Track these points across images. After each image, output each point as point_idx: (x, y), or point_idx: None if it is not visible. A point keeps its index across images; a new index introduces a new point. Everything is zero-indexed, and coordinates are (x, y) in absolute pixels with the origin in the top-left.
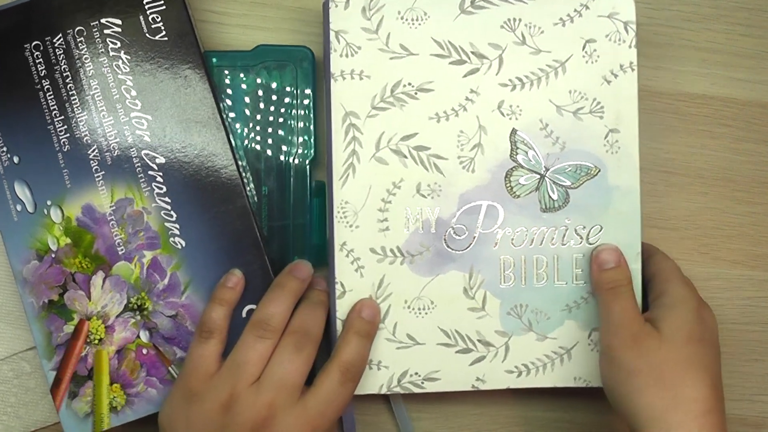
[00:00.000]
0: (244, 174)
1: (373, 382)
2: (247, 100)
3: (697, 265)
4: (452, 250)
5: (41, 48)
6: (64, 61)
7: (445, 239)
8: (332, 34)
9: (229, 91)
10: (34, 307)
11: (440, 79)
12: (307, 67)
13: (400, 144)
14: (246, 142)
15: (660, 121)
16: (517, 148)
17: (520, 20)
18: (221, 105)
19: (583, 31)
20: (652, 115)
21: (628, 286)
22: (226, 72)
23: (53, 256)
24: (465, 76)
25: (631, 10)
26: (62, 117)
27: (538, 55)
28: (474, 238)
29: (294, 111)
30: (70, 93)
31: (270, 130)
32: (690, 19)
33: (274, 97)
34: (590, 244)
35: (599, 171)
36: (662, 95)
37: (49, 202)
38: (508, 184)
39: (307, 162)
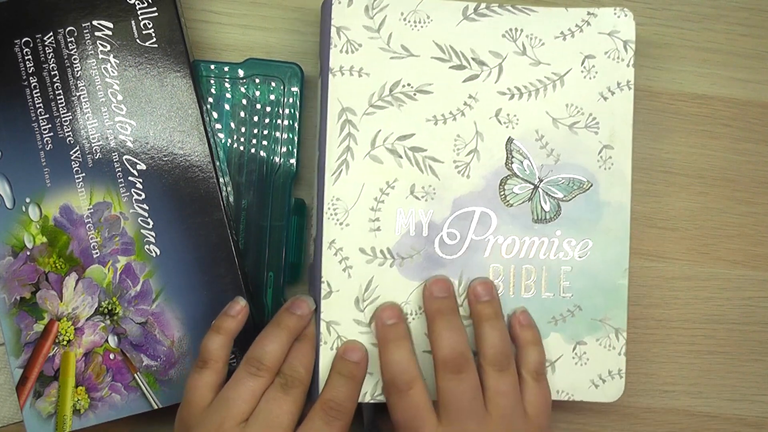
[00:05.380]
0: (224, 186)
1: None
2: (232, 112)
3: (697, 265)
4: (443, 255)
5: (31, 45)
6: (53, 59)
7: (436, 244)
8: (333, 30)
9: (215, 102)
10: (5, 303)
11: (440, 82)
12: (296, 83)
13: (396, 144)
14: (229, 154)
15: (660, 121)
16: (513, 156)
17: (521, 31)
18: (206, 116)
19: (583, 46)
20: (652, 115)
21: (499, 318)
22: (213, 82)
23: (28, 253)
24: (464, 81)
25: (631, 29)
26: (47, 115)
27: (537, 67)
28: (465, 244)
29: (279, 127)
30: (57, 92)
31: (254, 143)
32: (690, 19)
33: (260, 112)
34: (579, 258)
35: (591, 186)
36: (662, 95)
37: (27, 200)
38: (502, 192)
39: (289, 179)
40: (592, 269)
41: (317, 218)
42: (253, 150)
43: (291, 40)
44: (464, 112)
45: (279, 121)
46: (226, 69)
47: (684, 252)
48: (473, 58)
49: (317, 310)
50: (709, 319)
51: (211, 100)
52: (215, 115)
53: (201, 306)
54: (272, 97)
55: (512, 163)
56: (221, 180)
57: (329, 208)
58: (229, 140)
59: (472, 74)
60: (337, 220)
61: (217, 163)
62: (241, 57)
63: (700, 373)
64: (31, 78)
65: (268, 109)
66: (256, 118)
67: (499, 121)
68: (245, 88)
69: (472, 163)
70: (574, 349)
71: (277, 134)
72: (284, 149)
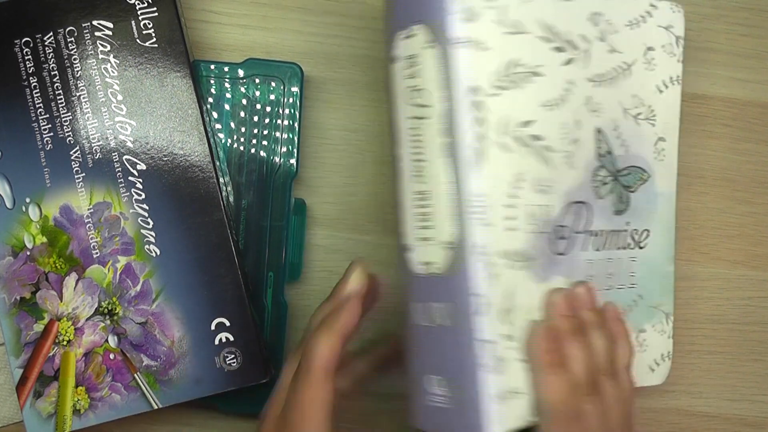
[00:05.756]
0: (224, 186)
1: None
2: (232, 112)
3: (697, 265)
4: (557, 253)
5: (31, 45)
6: (53, 59)
7: (553, 241)
8: None
9: (215, 102)
10: (5, 303)
11: (547, 65)
12: (295, 83)
13: (520, 131)
14: (229, 154)
15: None
16: (600, 146)
17: (602, 15)
18: (206, 116)
19: (645, 38)
20: None
21: (604, 325)
22: (213, 82)
23: (28, 253)
24: (563, 65)
25: (682, 25)
26: (47, 115)
27: (612, 54)
28: (572, 240)
29: (279, 127)
30: (57, 92)
31: (254, 143)
32: (690, 19)
33: (260, 112)
34: (641, 248)
35: (649, 177)
36: None
37: (27, 200)
38: (594, 184)
39: (289, 179)
40: (649, 258)
41: (455, 215)
42: (253, 150)
43: (291, 40)
44: (565, 98)
45: (279, 121)
46: (226, 69)
47: (684, 252)
48: (568, 41)
49: (470, 332)
50: (709, 319)
51: (211, 100)
52: (215, 115)
53: (201, 306)
54: (272, 97)
55: (601, 153)
56: (221, 180)
57: (471, 207)
58: (229, 140)
59: (569, 58)
60: (482, 220)
61: (217, 163)
62: (241, 57)
63: (700, 373)
64: (31, 78)
65: (268, 109)
66: (256, 118)
67: (589, 109)
68: (245, 88)
69: (576, 153)
70: (637, 337)
71: (277, 134)
72: (284, 149)
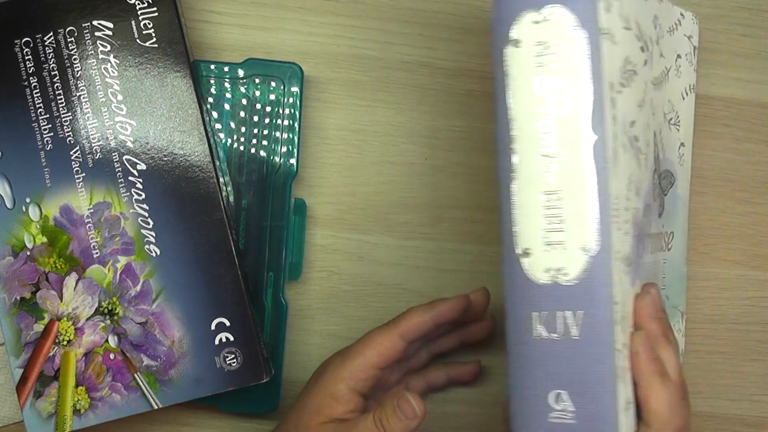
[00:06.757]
0: (224, 186)
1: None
2: (232, 112)
3: (697, 265)
4: (639, 256)
5: (31, 45)
6: (53, 59)
7: (639, 244)
8: None
9: (215, 102)
10: (5, 303)
11: (639, 64)
12: (296, 83)
13: (630, 131)
14: (229, 154)
15: None
16: (656, 149)
17: (658, 18)
18: (206, 116)
19: (677, 45)
20: None
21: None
22: (213, 82)
23: (28, 253)
24: (644, 65)
25: (697, 36)
26: (47, 115)
27: (661, 59)
28: (644, 243)
29: (279, 127)
30: (57, 92)
31: (254, 143)
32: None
33: (260, 112)
34: (668, 250)
35: (675, 180)
36: None
37: (28, 200)
38: (653, 187)
39: (289, 179)
40: (673, 259)
41: (601, 218)
42: (253, 150)
43: (291, 40)
44: (645, 100)
45: (279, 121)
46: (226, 69)
47: None
48: (646, 41)
49: (603, 338)
50: (709, 319)
51: (211, 100)
52: (215, 115)
53: (201, 306)
54: (272, 97)
55: (657, 156)
56: (221, 180)
57: (614, 210)
58: (229, 140)
59: (645, 59)
60: (617, 225)
61: (217, 163)
62: (241, 57)
63: (700, 373)
64: (31, 78)
65: (268, 109)
66: (256, 118)
67: (652, 112)
68: (245, 88)
69: (649, 155)
70: None
71: (277, 134)
72: (284, 149)
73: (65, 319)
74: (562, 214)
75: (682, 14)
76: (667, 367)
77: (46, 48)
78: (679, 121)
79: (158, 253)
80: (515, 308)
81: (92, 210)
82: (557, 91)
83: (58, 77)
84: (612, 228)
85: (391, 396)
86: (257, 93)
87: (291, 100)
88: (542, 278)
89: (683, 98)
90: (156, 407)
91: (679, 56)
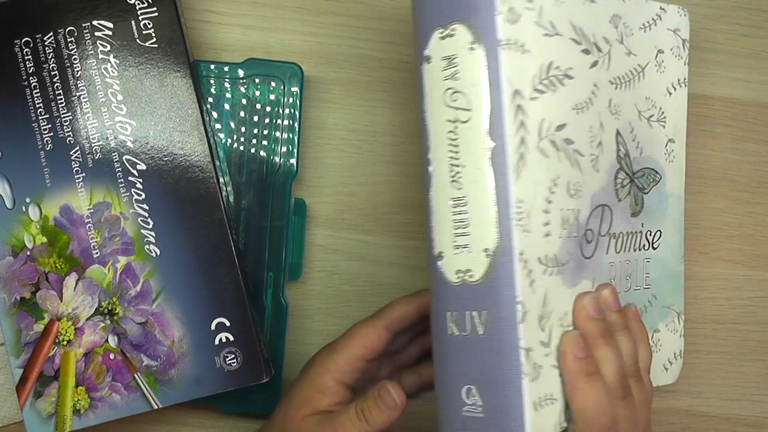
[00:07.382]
0: (224, 186)
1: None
2: (232, 112)
3: (697, 265)
4: (585, 257)
5: (31, 45)
6: (53, 59)
7: (582, 245)
8: None
9: (215, 102)
10: (5, 303)
11: (576, 67)
12: (296, 83)
13: (555, 135)
14: (229, 154)
15: None
16: (620, 149)
17: (621, 18)
18: (206, 116)
19: (656, 40)
20: None
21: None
22: (213, 82)
23: (28, 253)
24: (590, 67)
25: (687, 29)
26: (47, 115)
27: (629, 57)
28: (597, 243)
29: (279, 127)
30: (57, 92)
31: (254, 143)
32: (690, 19)
33: (260, 112)
34: (654, 249)
35: (661, 178)
36: None
37: (27, 200)
38: (615, 187)
39: (289, 179)
40: (662, 258)
41: (500, 221)
42: (253, 150)
43: (291, 40)
44: (591, 101)
45: (279, 121)
46: (226, 69)
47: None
48: (594, 43)
49: (508, 338)
50: (709, 319)
51: (211, 100)
52: (215, 115)
53: (201, 306)
54: (272, 97)
55: (620, 156)
56: (221, 180)
57: (516, 213)
58: (229, 140)
59: (594, 60)
60: (523, 226)
61: (217, 163)
62: (241, 57)
63: (700, 373)
64: (31, 78)
65: (268, 109)
66: (256, 118)
67: (611, 112)
68: (245, 88)
69: (600, 156)
70: (652, 338)
71: (277, 134)
72: (284, 149)
73: (65, 319)
74: (467, 219)
75: (662, 8)
76: (603, 366)
77: (46, 48)
78: (664, 117)
79: (158, 253)
80: (435, 307)
81: (92, 210)
82: (460, 102)
83: (58, 77)
84: (513, 230)
85: (373, 387)
86: (257, 93)
87: (291, 100)
88: (454, 279)
89: (669, 94)
90: (156, 407)
91: (661, 51)
